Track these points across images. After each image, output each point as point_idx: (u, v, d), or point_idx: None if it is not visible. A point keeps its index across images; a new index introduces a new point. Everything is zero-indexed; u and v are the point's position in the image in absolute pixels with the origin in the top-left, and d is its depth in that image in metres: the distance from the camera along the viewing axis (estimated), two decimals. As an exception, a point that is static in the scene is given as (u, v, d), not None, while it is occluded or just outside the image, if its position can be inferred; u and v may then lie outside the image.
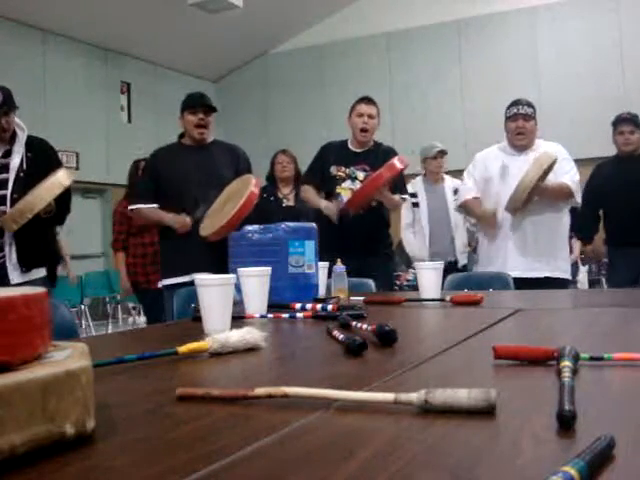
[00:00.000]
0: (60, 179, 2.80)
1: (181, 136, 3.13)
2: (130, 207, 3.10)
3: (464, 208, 3.44)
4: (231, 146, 3.19)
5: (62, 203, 2.90)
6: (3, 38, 7.68)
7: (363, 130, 3.32)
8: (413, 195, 4.15)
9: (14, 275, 2.83)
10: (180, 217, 2.89)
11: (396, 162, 3.08)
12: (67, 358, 0.67)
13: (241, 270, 1.74)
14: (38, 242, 2.91)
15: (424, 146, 4.37)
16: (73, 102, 8.40)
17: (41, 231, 2.91)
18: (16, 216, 2.73)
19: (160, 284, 3.02)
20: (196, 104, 3.00)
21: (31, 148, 2.92)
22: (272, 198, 4.05)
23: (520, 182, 2.92)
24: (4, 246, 2.84)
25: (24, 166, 2.87)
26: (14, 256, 2.84)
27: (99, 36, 8.71)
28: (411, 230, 4.28)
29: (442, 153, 4.22)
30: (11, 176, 2.84)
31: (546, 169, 2.94)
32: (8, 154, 2.88)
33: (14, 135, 2.90)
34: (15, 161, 2.86)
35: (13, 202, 2.80)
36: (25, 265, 2.86)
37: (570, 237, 3.65)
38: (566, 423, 0.62)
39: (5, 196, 2.82)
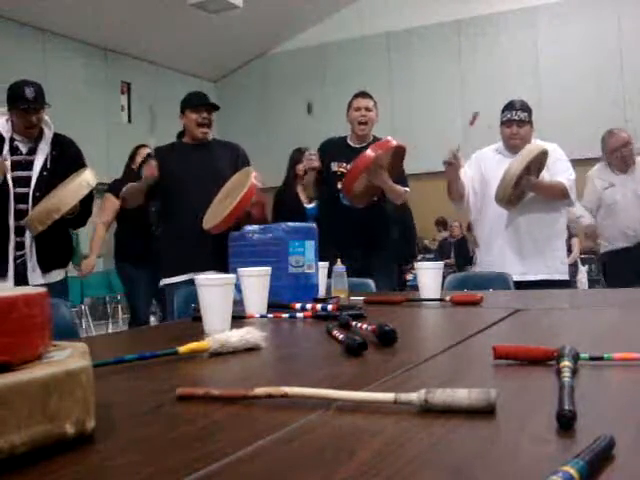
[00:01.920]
0: (87, 179, 2.76)
1: (180, 135, 3.13)
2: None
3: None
4: (230, 144, 3.20)
5: (85, 205, 2.86)
6: (3, 38, 7.68)
7: (362, 123, 3.33)
8: None
9: (33, 276, 2.78)
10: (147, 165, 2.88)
11: (389, 138, 3.07)
12: (67, 358, 0.67)
13: (241, 270, 1.74)
14: (59, 243, 2.88)
15: None
16: (73, 102, 8.39)
17: (62, 232, 2.87)
18: (43, 217, 2.66)
19: (161, 284, 3.01)
20: (199, 103, 3.01)
21: (56, 147, 2.87)
22: None
23: (509, 167, 2.90)
24: (24, 245, 2.78)
25: (48, 164, 2.82)
26: (34, 257, 2.78)
27: (99, 36, 8.71)
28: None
29: None
30: (34, 174, 2.80)
31: (536, 156, 2.91)
32: (33, 151, 2.83)
33: (41, 133, 2.86)
34: (39, 159, 2.82)
35: (35, 200, 2.75)
36: (44, 267, 2.81)
37: (568, 237, 3.61)
38: (566, 423, 0.62)
39: (27, 194, 2.77)
